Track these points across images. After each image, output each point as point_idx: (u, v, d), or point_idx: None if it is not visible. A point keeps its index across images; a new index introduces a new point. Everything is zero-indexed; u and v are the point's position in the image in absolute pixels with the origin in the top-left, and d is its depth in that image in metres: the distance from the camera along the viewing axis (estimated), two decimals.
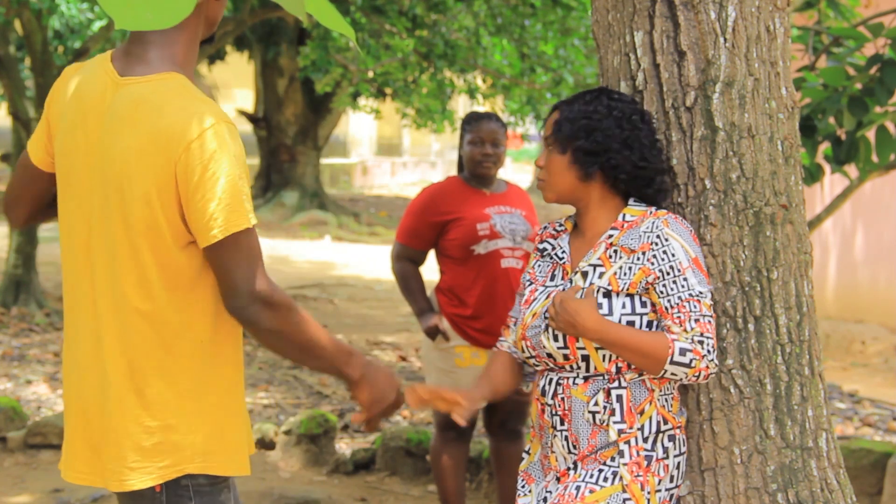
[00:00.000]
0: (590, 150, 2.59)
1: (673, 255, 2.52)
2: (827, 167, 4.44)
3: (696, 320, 2.50)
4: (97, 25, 9.68)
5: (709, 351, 2.49)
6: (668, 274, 2.52)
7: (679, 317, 2.49)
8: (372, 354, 8.37)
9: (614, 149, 2.58)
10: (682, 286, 2.51)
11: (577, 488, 2.53)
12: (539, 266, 2.73)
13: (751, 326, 2.66)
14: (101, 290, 2.25)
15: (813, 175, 4.30)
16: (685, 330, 2.48)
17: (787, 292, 2.69)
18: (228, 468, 2.30)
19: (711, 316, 2.52)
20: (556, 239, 2.73)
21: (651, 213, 2.58)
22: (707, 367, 2.49)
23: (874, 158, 4.25)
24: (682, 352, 2.48)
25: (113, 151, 2.20)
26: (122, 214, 2.20)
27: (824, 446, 2.71)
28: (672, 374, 2.49)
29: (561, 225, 2.75)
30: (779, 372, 2.67)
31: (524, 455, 2.78)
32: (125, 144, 2.18)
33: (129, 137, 2.18)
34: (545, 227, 2.78)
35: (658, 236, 2.54)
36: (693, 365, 2.48)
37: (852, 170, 4.82)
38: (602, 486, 2.51)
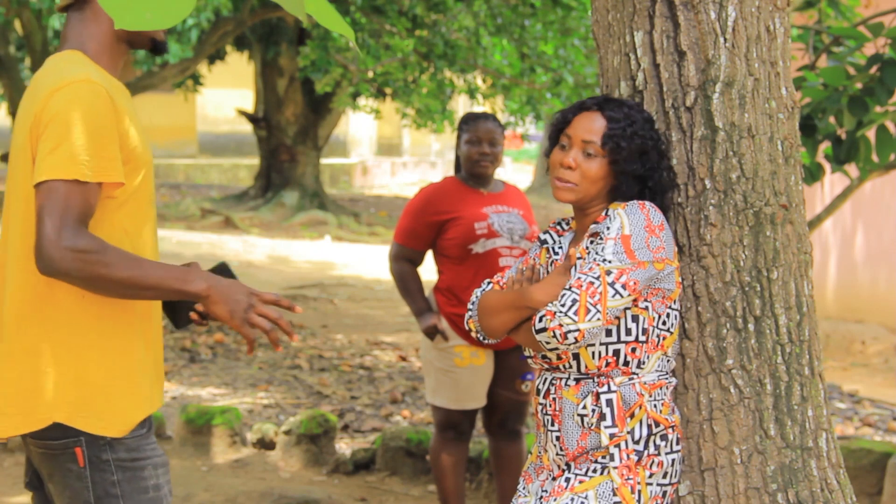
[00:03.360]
0: (637, 175, 2.59)
1: (608, 229, 2.51)
2: (827, 166, 4.44)
3: (578, 278, 2.46)
4: None
5: (564, 305, 2.43)
6: (595, 242, 2.53)
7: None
8: (372, 354, 8.37)
9: (656, 178, 2.60)
10: (597, 253, 2.49)
11: (567, 480, 2.55)
12: (539, 257, 2.74)
13: (751, 326, 2.66)
14: (5, 241, 2.41)
15: (813, 174, 4.30)
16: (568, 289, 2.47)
17: (787, 292, 2.69)
18: (98, 426, 2.33)
19: (599, 280, 2.44)
20: (560, 236, 2.74)
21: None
22: (559, 324, 2.42)
23: (874, 158, 4.25)
24: (541, 318, 2.46)
25: (19, 117, 2.40)
26: (16, 167, 2.37)
27: (824, 446, 2.71)
28: (542, 341, 2.47)
29: (567, 223, 2.75)
30: (779, 372, 2.67)
31: (528, 454, 2.79)
32: (23, 109, 2.38)
33: (26, 102, 2.38)
34: (558, 222, 2.79)
35: (608, 214, 2.55)
36: (545, 325, 2.44)
37: (853, 169, 4.82)
38: (591, 477, 2.53)
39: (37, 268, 2.22)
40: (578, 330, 2.42)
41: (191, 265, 2.40)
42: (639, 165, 2.57)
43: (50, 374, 2.30)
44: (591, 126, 2.59)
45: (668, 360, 2.61)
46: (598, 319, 2.43)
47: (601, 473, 2.52)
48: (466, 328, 2.74)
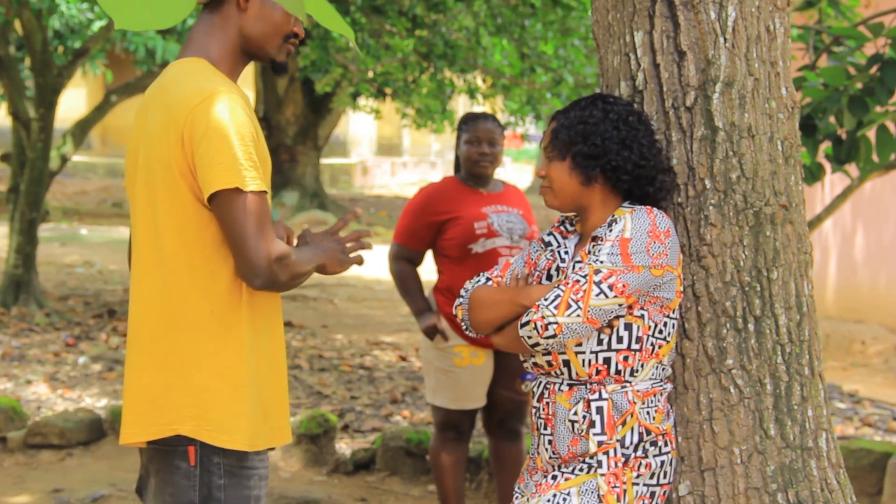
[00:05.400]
0: (589, 154, 2.58)
1: (609, 231, 2.53)
2: (827, 166, 4.44)
3: (568, 277, 2.49)
4: (97, 25, 9.68)
5: (547, 300, 2.47)
6: (595, 245, 2.54)
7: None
8: (372, 354, 8.37)
9: (613, 150, 2.57)
10: (594, 255, 2.51)
11: (554, 477, 2.57)
12: (540, 259, 2.73)
13: (751, 326, 2.66)
14: (135, 257, 2.43)
15: (814, 174, 4.30)
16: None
17: (787, 292, 2.69)
18: (221, 439, 2.35)
19: (586, 279, 2.46)
20: (565, 238, 2.73)
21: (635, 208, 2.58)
22: (541, 316, 2.46)
23: (875, 158, 4.25)
24: (527, 312, 2.50)
25: (146, 125, 2.39)
26: (147, 181, 2.37)
27: (824, 446, 2.71)
28: (525, 336, 2.50)
29: (572, 224, 2.75)
30: (779, 372, 2.67)
31: (527, 455, 2.80)
32: (151, 117, 2.38)
33: (154, 111, 2.38)
34: (562, 222, 2.77)
35: (613, 218, 2.56)
36: (528, 318, 2.48)
37: (853, 169, 4.82)
38: (577, 475, 2.54)
39: (254, 286, 2.32)
40: (557, 323, 2.44)
41: (304, 234, 2.54)
42: (583, 145, 2.58)
43: (177, 386, 2.34)
44: (547, 133, 2.67)
45: (664, 368, 2.61)
46: (578, 316, 2.44)
47: (587, 472, 2.53)
48: (453, 313, 2.76)
